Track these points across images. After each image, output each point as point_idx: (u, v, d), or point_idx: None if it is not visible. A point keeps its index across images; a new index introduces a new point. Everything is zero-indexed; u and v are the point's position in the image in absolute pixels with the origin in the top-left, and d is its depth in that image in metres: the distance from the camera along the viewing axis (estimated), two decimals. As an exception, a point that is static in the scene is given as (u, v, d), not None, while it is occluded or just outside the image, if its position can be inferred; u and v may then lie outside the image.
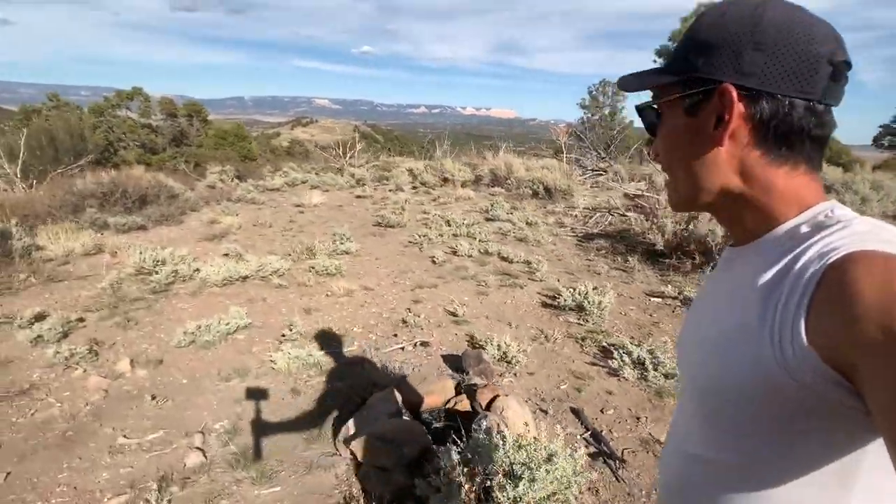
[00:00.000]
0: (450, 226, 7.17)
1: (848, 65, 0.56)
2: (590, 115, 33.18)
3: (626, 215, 7.28)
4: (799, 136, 0.56)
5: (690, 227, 4.94)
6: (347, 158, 15.60)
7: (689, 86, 0.61)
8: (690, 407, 0.68)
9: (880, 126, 25.62)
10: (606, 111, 32.91)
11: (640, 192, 8.04)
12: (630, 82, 0.68)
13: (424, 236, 6.47)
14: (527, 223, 7.66)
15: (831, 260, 0.47)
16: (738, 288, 0.60)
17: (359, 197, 10.17)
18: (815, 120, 0.56)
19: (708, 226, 4.88)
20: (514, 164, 12.63)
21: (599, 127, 32.76)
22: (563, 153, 14.86)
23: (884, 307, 0.40)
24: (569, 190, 10.24)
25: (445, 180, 12.68)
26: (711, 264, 4.85)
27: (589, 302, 4.02)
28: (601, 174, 14.29)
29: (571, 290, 4.25)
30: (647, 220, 5.87)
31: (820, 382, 0.46)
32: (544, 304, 4.39)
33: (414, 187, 11.79)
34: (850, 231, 0.50)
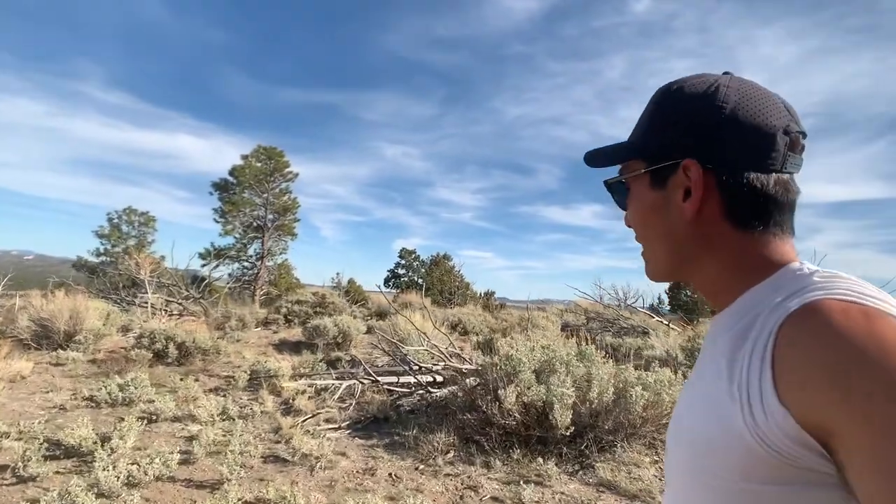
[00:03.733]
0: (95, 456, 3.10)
1: (803, 134, 0.59)
2: (110, 247, 27.41)
3: (378, 382, 5.14)
4: (765, 205, 0.57)
5: (542, 391, 3.54)
6: None
7: (653, 161, 0.62)
8: (672, 490, 0.63)
9: (388, 270, 32.25)
10: (132, 242, 28.09)
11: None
12: (598, 158, 0.69)
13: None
14: (234, 416, 4.31)
15: (789, 311, 0.47)
16: (713, 355, 0.57)
17: None
18: (779, 188, 0.57)
19: (560, 387, 3.61)
20: (76, 306, 8.03)
21: (122, 260, 27.59)
22: (146, 292, 10.67)
23: (840, 368, 0.40)
24: (216, 347, 6.97)
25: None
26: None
27: None
28: (193, 319, 11.04)
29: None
30: (475, 389, 4.09)
31: (795, 448, 0.43)
32: None
33: None
34: (807, 282, 0.50)
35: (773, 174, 0.56)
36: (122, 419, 4.15)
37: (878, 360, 0.39)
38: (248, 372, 5.66)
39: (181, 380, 5.92)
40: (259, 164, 23.79)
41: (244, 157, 23.71)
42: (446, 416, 4.30)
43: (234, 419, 4.28)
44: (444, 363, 5.37)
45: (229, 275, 25.42)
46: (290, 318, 11.87)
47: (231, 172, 23.40)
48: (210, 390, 5.42)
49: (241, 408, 4.55)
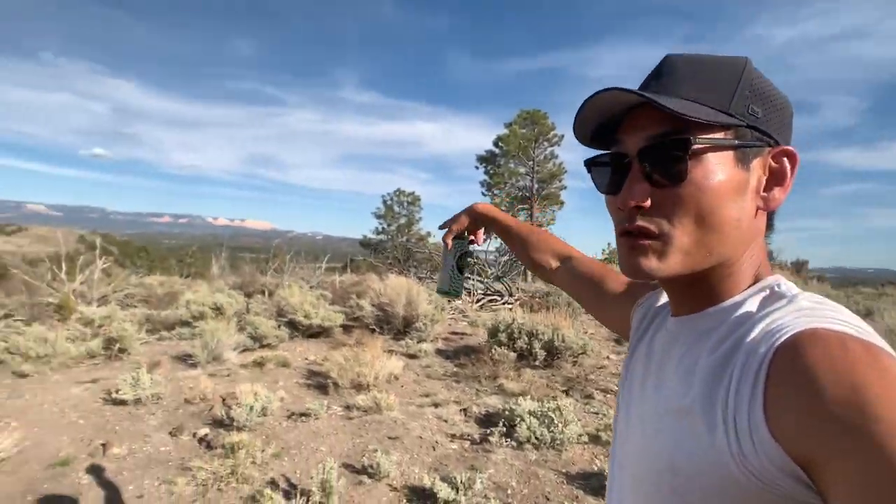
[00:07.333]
0: None
1: None
2: (385, 226, 30.19)
3: None
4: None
5: None
6: (79, 282, 7.94)
7: (745, 136, 0.50)
8: (628, 500, 0.59)
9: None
10: (402, 221, 30.49)
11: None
12: (673, 101, 0.48)
13: None
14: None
15: (780, 340, 0.43)
16: (684, 365, 0.52)
17: (113, 402, 3.63)
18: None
19: None
20: (410, 289, 7.46)
21: (398, 237, 29.62)
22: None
23: (843, 401, 0.36)
24: (584, 346, 5.48)
25: (295, 327, 6.73)
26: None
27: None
28: (496, 299, 10.14)
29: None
30: None
31: (780, 477, 0.40)
32: None
33: (246, 350, 5.46)
34: (794, 307, 0.46)
35: None
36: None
37: (883, 398, 0.36)
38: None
39: (567, 393, 4.53)
40: (524, 131, 22.76)
41: (507, 125, 22.85)
42: None
43: None
44: None
45: (497, 249, 25.37)
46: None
47: (496, 143, 22.91)
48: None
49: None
